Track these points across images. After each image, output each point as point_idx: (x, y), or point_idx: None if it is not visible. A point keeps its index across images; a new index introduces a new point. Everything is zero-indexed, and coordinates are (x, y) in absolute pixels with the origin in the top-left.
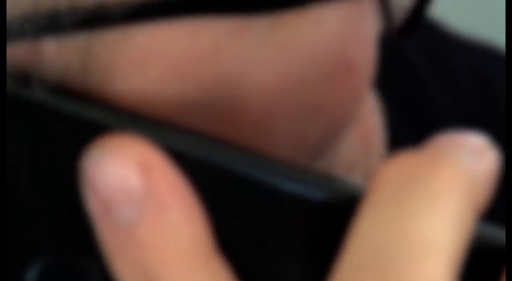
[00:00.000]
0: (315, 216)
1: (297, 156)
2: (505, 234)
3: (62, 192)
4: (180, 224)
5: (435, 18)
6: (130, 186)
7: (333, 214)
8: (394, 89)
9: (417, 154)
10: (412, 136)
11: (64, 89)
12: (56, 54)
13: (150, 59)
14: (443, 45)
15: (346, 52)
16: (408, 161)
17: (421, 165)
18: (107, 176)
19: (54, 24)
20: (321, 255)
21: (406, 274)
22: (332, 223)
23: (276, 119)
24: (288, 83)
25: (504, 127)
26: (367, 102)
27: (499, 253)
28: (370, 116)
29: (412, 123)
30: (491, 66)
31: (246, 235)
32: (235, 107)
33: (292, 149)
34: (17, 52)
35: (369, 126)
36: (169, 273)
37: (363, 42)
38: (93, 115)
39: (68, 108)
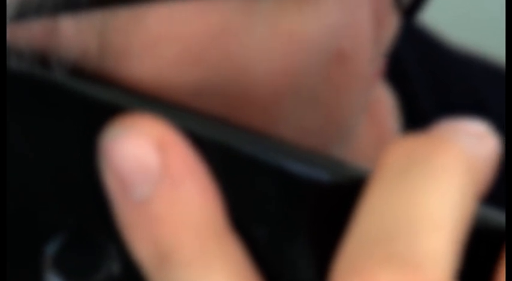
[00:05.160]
0: (322, 197)
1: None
2: (505, 217)
3: (81, 170)
4: (194, 200)
5: (434, 29)
6: (147, 163)
7: (339, 195)
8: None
9: (421, 137)
10: None
11: (81, 71)
12: (74, 36)
13: (163, 41)
14: (440, 61)
15: (340, 43)
16: (413, 143)
17: (425, 146)
18: (125, 153)
19: (70, 0)
20: (327, 235)
21: (410, 248)
22: (338, 203)
23: (278, 108)
24: (289, 72)
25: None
26: (383, 103)
27: (499, 234)
28: (387, 118)
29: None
30: (487, 85)
31: (255, 214)
32: (242, 93)
33: (296, 139)
34: (35, 33)
35: (385, 128)
36: (182, 248)
37: (357, 35)
38: (111, 96)
39: (86, 89)
